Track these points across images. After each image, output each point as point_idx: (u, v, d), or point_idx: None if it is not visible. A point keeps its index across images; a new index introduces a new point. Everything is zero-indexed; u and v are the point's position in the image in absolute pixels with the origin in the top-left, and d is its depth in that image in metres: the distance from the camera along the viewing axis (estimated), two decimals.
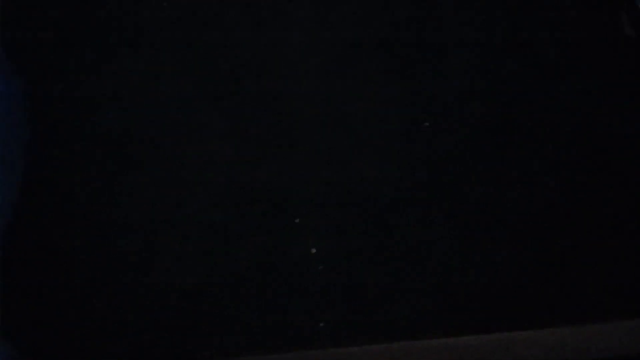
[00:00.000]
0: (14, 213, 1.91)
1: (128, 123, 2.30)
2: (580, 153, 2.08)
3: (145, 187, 2.13)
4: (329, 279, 1.92)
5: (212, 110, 2.31)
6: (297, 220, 2.02)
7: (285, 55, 2.44)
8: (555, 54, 2.30)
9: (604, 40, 2.33)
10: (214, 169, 2.16)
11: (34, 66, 2.46)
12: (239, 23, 2.55)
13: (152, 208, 2.08)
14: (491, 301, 1.88)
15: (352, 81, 2.34)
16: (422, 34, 2.43)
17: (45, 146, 2.24)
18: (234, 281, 1.94)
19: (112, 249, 2.00)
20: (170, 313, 1.91)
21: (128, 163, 2.19)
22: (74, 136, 2.27)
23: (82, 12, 2.67)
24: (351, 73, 2.37)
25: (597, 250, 1.91)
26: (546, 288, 1.90)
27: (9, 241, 1.92)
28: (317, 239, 1.97)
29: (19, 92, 2.32)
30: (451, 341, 1.75)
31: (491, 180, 2.05)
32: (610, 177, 2.03)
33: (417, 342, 1.77)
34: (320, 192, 2.06)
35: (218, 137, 2.23)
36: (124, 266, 1.96)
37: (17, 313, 1.80)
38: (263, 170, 2.14)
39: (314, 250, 1.95)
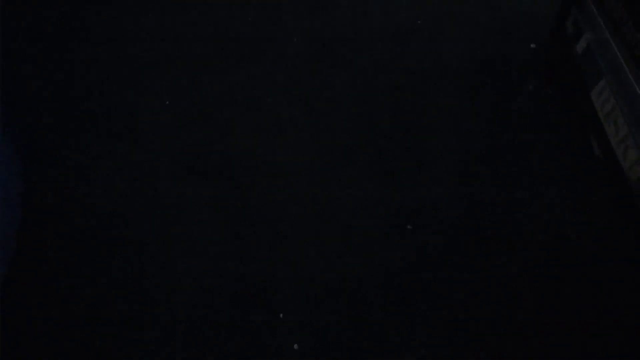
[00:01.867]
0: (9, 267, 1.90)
1: (118, 207, 2.36)
2: (552, 260, 2.16)
3: (130, 275, 2.16)
4: None
5: (202, 203, 2.39)
6: (281, 315, 2.04)
7: (277, 154, 2.57)
8: (531, 173, 2.45)
9: (576, 159, 2.49)
10: (202, 261, 2.20)
11: (33, 146, 2.55)
12: (234, 121, 2.69)
13: (135, 296, 2.10)
14: None
15: (339, 182, 2.46)
16: (408, 141, 2.58)
17: (35, 225, 2.28)
18: None
19: (92, 335, 1.99)
20: None
21: (114, 247, 2.23)
22: (64, 214, 2.32)
23: (87, 96, 2.81)
24: (338, 174, 2.49)
25: (572, 351, 1.94)
26: None
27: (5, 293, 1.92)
28: (300, 335, 1.98)
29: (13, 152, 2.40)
30: None
31: (469, 284, 2.11)
32: (577, 281, 2.10)
33: None
34: (305, 287, 2.10)
35: (207, 230, 2.29)
36: (104, 353, 1.94)
37: None
38: (250, 263, 2.19)
39: (296, 347, 1.96)
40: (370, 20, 3.26)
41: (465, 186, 2.41)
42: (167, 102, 2.80)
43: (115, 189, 2.43)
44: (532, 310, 2.05)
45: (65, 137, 2.63)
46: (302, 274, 2.14)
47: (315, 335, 1.98)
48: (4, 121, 2.68)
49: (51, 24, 3.24)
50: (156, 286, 2.13)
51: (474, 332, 2.00)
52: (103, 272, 2.17)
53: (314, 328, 2.00)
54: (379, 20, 3.26)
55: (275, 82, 2.89)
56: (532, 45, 3.03)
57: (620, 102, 2.17)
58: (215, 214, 2.34)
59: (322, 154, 2.55)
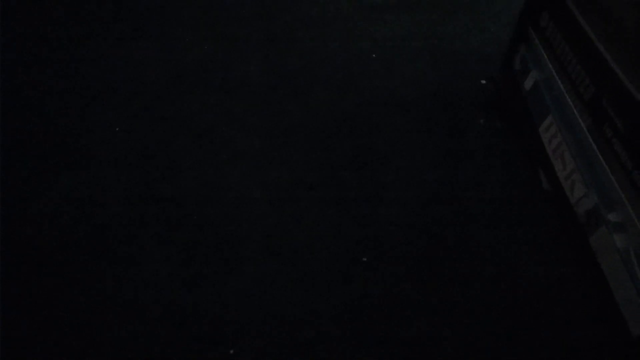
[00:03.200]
0: None
1: (66, 238, 2.26)
2: (504, 294, 2.18)
3: (81, 308, 2.04)
4: None
5: (152, 234, 2.31)
6: (231, 352, 1.97)
7: (231, 185, 2.52)
8: (483, 205, 2.49)
9: (526, 193, 2.55)
10: (150, 293, 2.11)
11: None
12: (187, 151, 2.64)
13: (85, 332, 1.99)
14: None
15: (294, 213, 2.42)
16: (363, 173, 2.58)
17: None
18: None
19: None
20: None
21: (64, 282, 2.12)
22: (10, 244, 2.21)
23: (36, 123, 2.71)
24: (294, 205, 2.45)
25: None
26: None
27: None
28: None
29: None
30: None
31: (424, 318, 2.10)
32: (528, 314, 2.12)
33: None
34: (256, 322, 2.04)
35: (157, 261, 2.21)
36: None
37: None
38: (200, 295, 2.12)
39: None
40: (326, 52, 3.29)
41: (419, 218, 2.43)
42: (117, 129, 2.73)
43: (62, 218, 2.33)
44: (485, 344, 2.05)
45: (12, 165, 2.52)
46: (254, 307, 2.09)
47: None
48: None
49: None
50: (100, 317, 2.03)
51: None
52: (46, 307, 2.05)
53: None
54: (335, 53, 3.29)
55: (231, 112, 2.87)
56: (483, 81, 3.12)
57: (567, 138, 2.24)
58: (166, 244, 2.27)
59: (277, 185, 2.53)
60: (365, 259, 2.26)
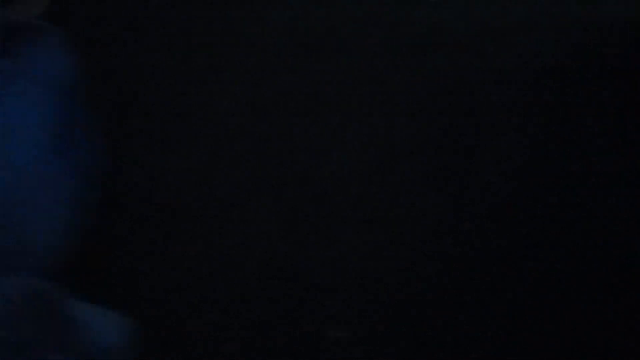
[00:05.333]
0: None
1: (171, 190, 2.39)
2: (614, 272, 2.04)
3: (176, 257, 2.17)
4: None
5: (260, 191, 2.37)
6: (317, 301, 2.00)
7: (335, 153, 2.51)
8: (586, 176, 2.32)
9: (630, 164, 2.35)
10: (253, 247, 2.19)
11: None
12: (294, 124, 2.69)
13: (181, 276, 2.10)
14: None
15: (390, 184, 2.38)
16: (461, 144, 2.52)
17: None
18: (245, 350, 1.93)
19: (137, 311, 2.02)
20: None
21: (162, 230, 2.25)
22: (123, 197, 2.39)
23: (150, 90, 2.85)
24: (389, 176, 2.41)
25: None
26: None
27: None
28: (335, 323, 1.93)
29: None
30: None
31: (522, 290, 2.02)
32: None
33: None
34: (347, 281, 2.06)
35: (262, 218, 2.28)
36: (157, 326, 1.99)
37: None
38: (298, 252, 2.16)
39: (332, 334, 1.92)
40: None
41: (520, 195, 2.33)
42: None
43: (175, 182, 2.47)
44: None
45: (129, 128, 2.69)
46: (347, 271, 2.11)
47: (352, 325, 1.95)
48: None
49: (122, 15, 3.27)
50: (196, 264, 2.17)
51: (532, 337, 1.91)
52: (148, 252, 2.22)
53: (352, 318, 1.97)
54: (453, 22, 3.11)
55: (348, 79, 2.84)
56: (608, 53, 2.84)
57: None
58: (273, 203, 2.36)
59: (371, 154, 2.52)
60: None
